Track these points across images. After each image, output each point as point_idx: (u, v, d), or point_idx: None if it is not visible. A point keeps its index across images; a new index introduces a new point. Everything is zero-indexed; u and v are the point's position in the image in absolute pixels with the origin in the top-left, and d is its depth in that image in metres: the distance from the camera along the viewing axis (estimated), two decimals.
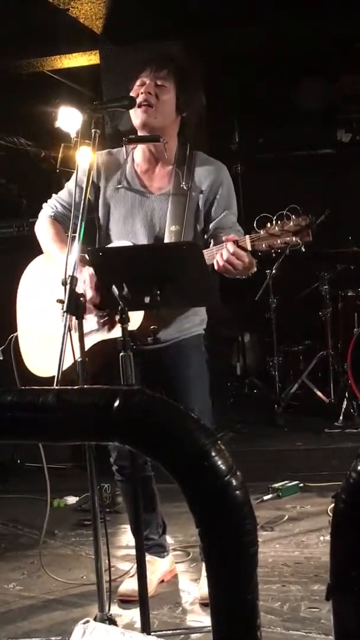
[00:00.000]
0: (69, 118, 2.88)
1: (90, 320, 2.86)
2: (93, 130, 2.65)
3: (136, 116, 2.88)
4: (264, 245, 2.58)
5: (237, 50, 6.08)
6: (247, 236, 2.62)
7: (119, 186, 3.01)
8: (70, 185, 3.05)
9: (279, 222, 2.56)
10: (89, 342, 2.83)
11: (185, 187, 2.91)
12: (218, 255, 2.62)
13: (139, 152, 3.02)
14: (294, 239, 2.54)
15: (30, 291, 3.09)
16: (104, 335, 2.85)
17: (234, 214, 2.94)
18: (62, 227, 3.02)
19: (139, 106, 2.84)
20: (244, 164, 6.41)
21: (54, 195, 3.13)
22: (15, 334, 3.00)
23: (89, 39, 5.63)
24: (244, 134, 6.97)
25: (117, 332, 2.67)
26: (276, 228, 2.56)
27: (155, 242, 2.94)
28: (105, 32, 5.53)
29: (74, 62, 6.13)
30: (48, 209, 3.10)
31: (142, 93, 2.86)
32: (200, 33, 5.54)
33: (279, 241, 2.56)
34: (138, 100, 2.85)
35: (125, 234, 2.95)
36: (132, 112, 2.90)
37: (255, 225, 2.61)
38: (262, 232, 2.58)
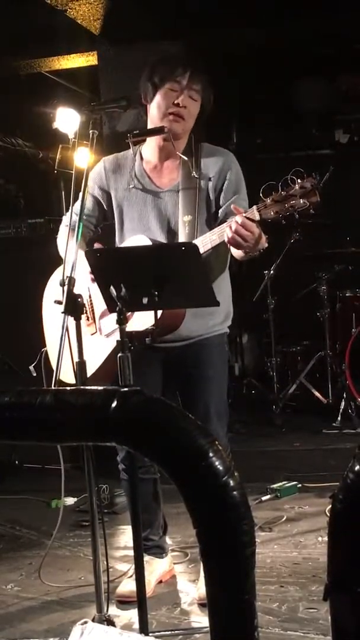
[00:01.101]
0: (66, 119, 2.87)
1: (112, 319, 2.86)
2: (91, 131, 2.65)
3: (161, 119, 2.89)
4: (272, 213, 2.56)
5: (236, 50, 6.08)
6: (254, 206, 2.62)
7: (130, 187, 3.02)
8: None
9: (284, 187, 2.55)
10: (114, 343, 2.83)
11: (195, 176, 2.93)
12: (227, 229, 2.62)
13: (148, 149, 3.04)
14: (301, 201, 2.52)
15: (52, 303, 3.07)
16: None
17: (244, 199, 2.93)
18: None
19: (171, 114, 2.87)
20: (242, 164, 6.40)
21: (70, 207, 3.17)
22: (45, 349, 2.99)
23: (87, 40, 5.64)
24: (242, 134, 6.97)
25: (137, 324, 2.66)
26: (282, 194, 2.55)
27: (170, 234, 2.94)
28: (103, 33, 5.54)
29: (72, 63, 6.13)
30: (65, 220, 3.14)
31: (175, 104, 2.87)
32: (198, 33, 5.54)
33: (286, 206, 2.54)
34: (171, 110, 2.87)
35: (141, 231, 2.97)
36: (155, 109, 2.91)
37: (261, 194, 2.60)
38: (268, 200, 2.58)
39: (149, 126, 2.97)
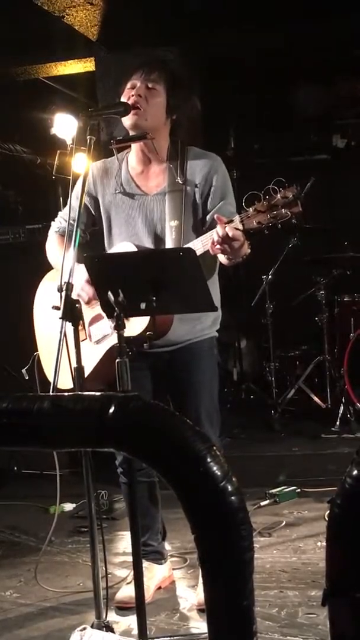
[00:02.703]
0: (64, 125, 2.89)
1: (104, 325, 2.87)
2: (88, 137, 2.65)
3: (127, 119, 2.90)
4: (254, 223, 2.57)
5: (233, 56, 6.10)
6: (237, 216, 2.62)
7: (116, 192, 3.02)
8: (72, 201, 3.06)
9: (266, 197, 2.55)
10: (106, 348, 2.83)
11: (180, 182, 2.92)
12: (213, 237, 2.62)
13: (133, 155, 3.05)
14: (282, 211, 2.53)
15: (44, 308, 3.08)
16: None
17: (230, 204, 2.93)
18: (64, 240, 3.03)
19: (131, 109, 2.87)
20: (239, 169, 6.43)
21: (59, 212, 3.16)
22: (36, 353, 3.00)
23: (84, 46, 5.65)
24: (239, 139, 6.99)
25: (131, 330, 2.66)
26: (264, 203, 2.55)
27: (156, 240, 2.95)
28: (100, 40, 5.55)
29: (70, 69, 6.15)
30: (54, 225, 3.15)
31: (132, 96, 2.88)
32: (196, 39, 5.56)
33: (268, 216, 2.55)
34: (130, 101, 2.87)
35: (128, 237, 2.97)
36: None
37: (243, 204, 2.60)
38: (250, 209, 2.58)
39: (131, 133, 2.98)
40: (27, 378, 2.93)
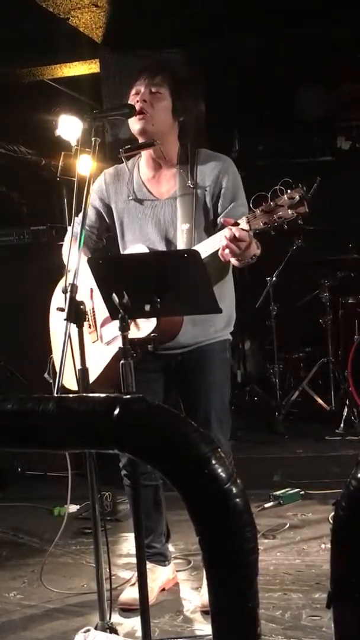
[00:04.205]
0: (69, 126, 2.88)
1: (114, 327, 2.87)
2: (93, 139, 2.66)
3: (133, 124, 2.91)
4: (261, 223, 2.57)
5: (237, 57, 6.10)
6: (244, 217, 2.63)
7: (129, 199, 3.04)
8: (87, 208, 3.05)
9: (273, 198, 2.56)
10: (115, 349, 2.83)
11: (190, 186, 2.93)
12: (221, 239, 2.63)
13: (144, 161, 3.06)
14: (289, 212, 2.54)
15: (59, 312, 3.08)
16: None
17: (242, 205, 2.93)
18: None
19: (135, 114, 2.87)
20: (243, 171, 6.41)
21: (73, 218, 3.18)
22: (51, 356, 3.00)
23: (89, 48, 5.66)
24: (243, 141, 6.98)
25: (138, 332, 2.67)
26: (271, 204, 2.56)
27: (168, 244, 2.96)
28: (105, 41, 5.56)
29: (74, 71, 6.16)
30: (69, 231, 3.14)
31: (137, 102, 2.89)
32: (200, 40, 5.56)
33: (274, 217, 2.55)
34: (136, 107, 2.87)
35: (141, 242, 2.99)
36: (130, 121, 2.93)
37: (251, 205, 2.62)
38: (257, 210, 2.59)
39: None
40: (51, 382, 2.95)
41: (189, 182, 2.94)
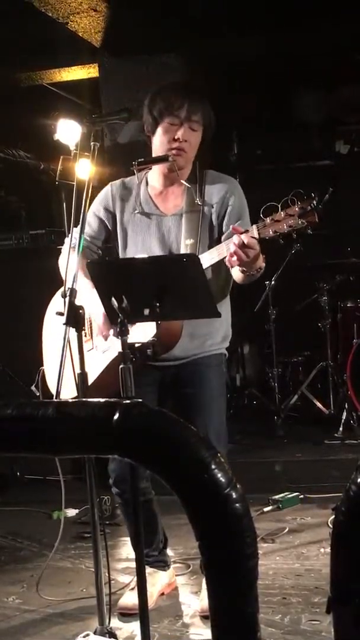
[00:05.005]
0: (68, 130, 2.88)
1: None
2: (92, 143, 2.67)
3: (165, 152, 2.90)
4: (271, 232, 2.60)
5: (236, 61, 6.11)
6: (255, 225, 2.65)
7: (135, 212, 3.05)
8: (88, 217, 3.05)
9: (284, 208, 2.57)
10: (112, 356, 2.83)
11: (199, 203, 2.96)
12: (231, 245, 2.64)
13: (154, 175, 3.06)
14: (299, 221, 2.56)
15: (54, 322, 3.07)
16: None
17: (247, 225, 2.93)
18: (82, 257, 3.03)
19: (173, 149, 2.88)
20: (242, 175, 6.42)
21: (74, 228, 3.18)
22: (42, 368, 3.00)
23: (88, 52, 5.67)
24: (242, 145, 6.99)
25: (134, 337, 2.67)
26: (282, 214, 2.58)
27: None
28: (104, 46, 5.57)
29: (73, 75, 6.17)
30: (67, 242, 3.13)
31: (176, 139, 2.89)
32: (199, 45, 5.57)
33: (284, 225, 2.57)
34: (173, 145, 2.89)
35: (143, 253, 2.99)
36: (157, 142, 2.93)
37: (261, 214, 2.64)
38: (268, 219, 2.61)
39: (153, 155, 2.98)
40: (38, 394, 2.94)
41: (197, 199, 2.95)
